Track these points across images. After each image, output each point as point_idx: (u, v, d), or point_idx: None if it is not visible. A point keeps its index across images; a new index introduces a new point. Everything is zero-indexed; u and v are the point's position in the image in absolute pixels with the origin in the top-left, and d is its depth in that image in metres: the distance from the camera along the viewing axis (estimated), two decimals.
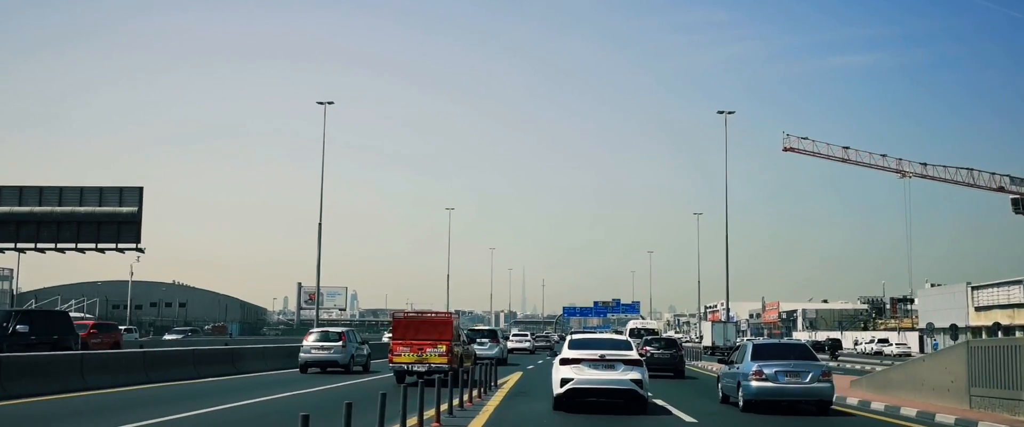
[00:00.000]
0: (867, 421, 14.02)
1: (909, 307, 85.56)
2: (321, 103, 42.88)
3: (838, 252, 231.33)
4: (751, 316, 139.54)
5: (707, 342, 54.68)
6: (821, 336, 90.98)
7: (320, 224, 42.36)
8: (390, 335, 23.50)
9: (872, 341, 68.01)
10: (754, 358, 14.34)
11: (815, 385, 13.97)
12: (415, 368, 19.31)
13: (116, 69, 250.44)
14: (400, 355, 19.59)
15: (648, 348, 26.52)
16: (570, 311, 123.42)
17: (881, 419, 14.26)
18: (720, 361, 18.64)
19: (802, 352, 15.08)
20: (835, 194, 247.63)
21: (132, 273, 77.98)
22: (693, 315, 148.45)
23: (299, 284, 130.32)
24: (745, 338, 66.42)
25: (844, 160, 62.73)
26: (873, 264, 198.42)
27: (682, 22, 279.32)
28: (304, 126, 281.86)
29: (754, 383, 13.91)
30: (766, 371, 13.91)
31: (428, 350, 19.30)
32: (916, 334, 68.70)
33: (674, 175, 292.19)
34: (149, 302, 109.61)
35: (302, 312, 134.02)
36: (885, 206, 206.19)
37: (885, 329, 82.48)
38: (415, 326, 19.91)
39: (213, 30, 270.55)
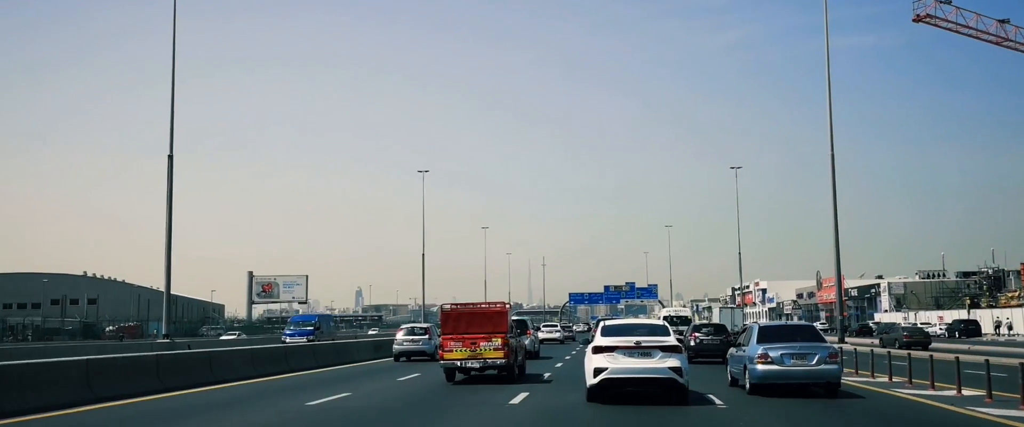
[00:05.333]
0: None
1: None
2: None
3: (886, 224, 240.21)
4: (801, 296, 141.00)
5: None
6: (928, 317, 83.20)
7: (170, 156, 37.17)
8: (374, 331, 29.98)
9: None
10: (760, 341, 17.64)
11: (821, 367, 17.16)
12: (469, 364, 21.24)
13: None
14: (451, 351, 21.26)
15: (697, 333, 32.03)
16: (577, 298, 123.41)
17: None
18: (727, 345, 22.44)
19: (809, 334, 18.36)
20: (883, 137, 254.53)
21: None
22: (715, 300, 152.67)
23: (250, 274, 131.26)
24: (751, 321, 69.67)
25: (998, 41, 56.12)
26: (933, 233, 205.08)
27: (682, 7, 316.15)
28: (263, 116, 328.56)
29: (759, 366, 17.16)
30: (772, 354, 17.15)
31: (482, 344, 21.10)
32: None
33: (679, 158, 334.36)
34: (50, 299, 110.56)
35: (255, 306, 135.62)
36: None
37: (1017, 304, 75.63)
38: (466, 318, 21.72)
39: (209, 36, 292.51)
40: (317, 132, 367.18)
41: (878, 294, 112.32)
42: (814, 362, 17.29)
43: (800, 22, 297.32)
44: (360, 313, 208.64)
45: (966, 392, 17.55)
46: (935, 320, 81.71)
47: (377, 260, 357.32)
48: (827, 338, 21.49)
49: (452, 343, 21.40)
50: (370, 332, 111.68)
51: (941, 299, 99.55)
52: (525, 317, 42.16)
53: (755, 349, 17.57)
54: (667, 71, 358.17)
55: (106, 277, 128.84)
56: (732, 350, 20.22)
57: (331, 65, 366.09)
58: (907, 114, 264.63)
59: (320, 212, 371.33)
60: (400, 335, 36.84)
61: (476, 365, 21.28)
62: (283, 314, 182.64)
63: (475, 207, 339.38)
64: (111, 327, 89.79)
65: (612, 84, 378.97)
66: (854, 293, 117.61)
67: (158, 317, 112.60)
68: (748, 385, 17.76)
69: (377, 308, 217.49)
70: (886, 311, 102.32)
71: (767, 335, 18.13)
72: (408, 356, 35.23)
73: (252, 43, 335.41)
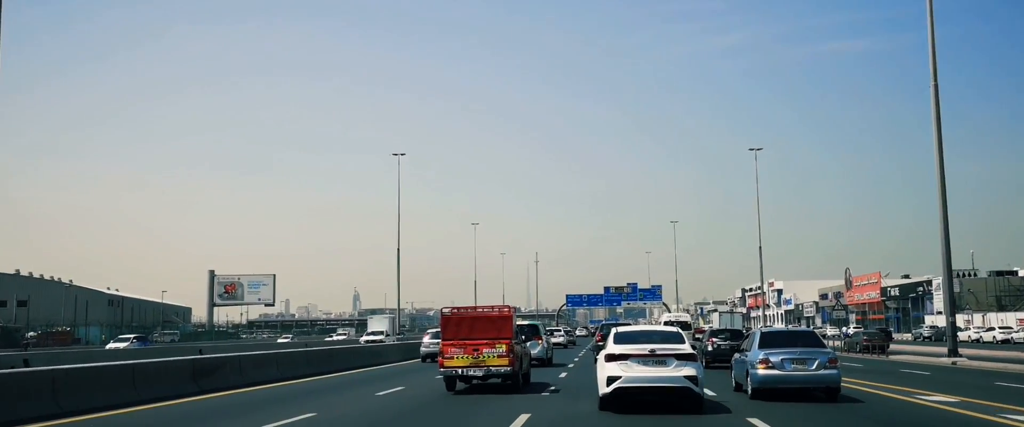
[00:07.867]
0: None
1: None
2: None
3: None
4: (825, 297, 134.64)
5: None
6: (1004, 319, 79.25)
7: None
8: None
9: None
10: (761, 346, 19.91)
11: (821, 372, 19.39)
12: (470, 372, 22.05)
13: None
14: (452, 358, 22.04)
15: (714, 339, 36.30)
16: (575, 300, 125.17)
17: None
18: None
19: (809, 339, 20.64)
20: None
21: None
22: (720, 303, 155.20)
23: (211, 272, 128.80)
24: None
25: None
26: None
27: (680, 11, 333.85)
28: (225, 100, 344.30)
29: (760, 371, 19.42)
30: (772, 359, 19.41)
31: (485, 351, 21.95)
32: None
33: (680, 158, 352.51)
34: None
35: (216, 309, 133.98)
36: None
37: None
38: (469, 323, 22.54)
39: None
40: (312, 136, 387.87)
41: (927, 294, 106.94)
42: (814, 367, 19.54)
43: (802, 25, 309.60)
44: (356, 316, 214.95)
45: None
46: (1014, 323, 77.85)
47: (376, 263, 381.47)
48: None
49: (453, 349, 22.14)
50: (280, 340, 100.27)
51: (1004, 298, 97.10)
52: (537, 322, 45.18)
53: (756, 354, 19.85)
54: (667, 73, 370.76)
55: (43, 276, 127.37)
56: (736, 355, 22.59)
57: (323, 71, 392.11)
58: (910, 114, 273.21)
59: (318, 215, 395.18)
60: (426, 338, 46.52)
61: (478, 373, 22.07)
62: (280, 319, 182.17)
63: (469, 208, 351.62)
64: (32, 333, 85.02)
65: (611, 85, 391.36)
66: (895, 292, 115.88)
67: (96, 321, 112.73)
68: (750, 389, 20.00)
69: (373, 311, 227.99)
70: (939, 313, 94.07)
71: (768, 340, 20.40)
72: (433, 357, 40.51)
73: (243, 51, 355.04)
